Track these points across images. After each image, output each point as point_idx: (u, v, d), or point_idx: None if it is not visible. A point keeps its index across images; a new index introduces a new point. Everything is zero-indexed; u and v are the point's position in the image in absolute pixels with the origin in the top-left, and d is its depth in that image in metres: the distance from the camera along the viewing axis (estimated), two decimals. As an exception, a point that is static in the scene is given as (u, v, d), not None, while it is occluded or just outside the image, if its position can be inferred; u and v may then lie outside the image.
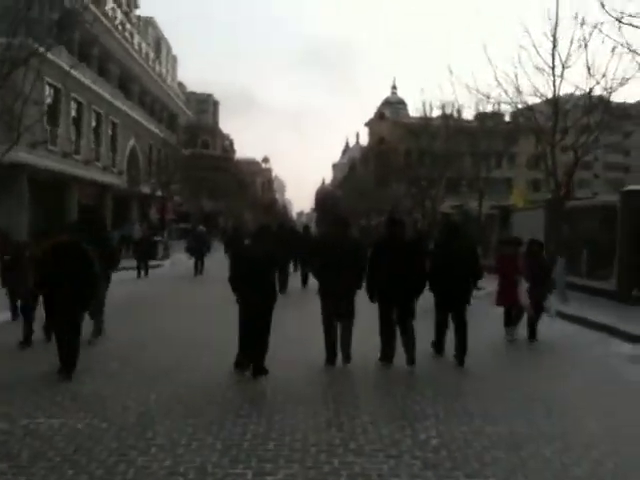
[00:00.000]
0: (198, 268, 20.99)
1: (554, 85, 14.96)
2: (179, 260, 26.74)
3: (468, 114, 31.17)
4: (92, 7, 37.44)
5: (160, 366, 7.38)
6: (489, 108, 18.71)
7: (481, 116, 28.57)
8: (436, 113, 35.64)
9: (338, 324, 7.64)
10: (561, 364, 8.10)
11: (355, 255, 7.64)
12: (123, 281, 16.81)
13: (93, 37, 39.62)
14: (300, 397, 6.15)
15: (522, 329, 9.77)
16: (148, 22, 71.36)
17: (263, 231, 7.67)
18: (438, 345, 8.29)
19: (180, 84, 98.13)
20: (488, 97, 17.22)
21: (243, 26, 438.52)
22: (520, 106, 15.83)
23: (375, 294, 7.70)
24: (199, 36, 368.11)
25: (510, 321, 9.70)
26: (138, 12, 58.38)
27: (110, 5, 41.19)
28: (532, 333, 9.58)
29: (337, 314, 7.61)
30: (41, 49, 28.40)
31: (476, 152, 25.81)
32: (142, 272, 20.45)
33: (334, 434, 5.13)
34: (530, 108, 16.26)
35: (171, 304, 13.81)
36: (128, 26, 45.72)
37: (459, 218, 27.39)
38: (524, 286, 9.36)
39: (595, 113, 15.96)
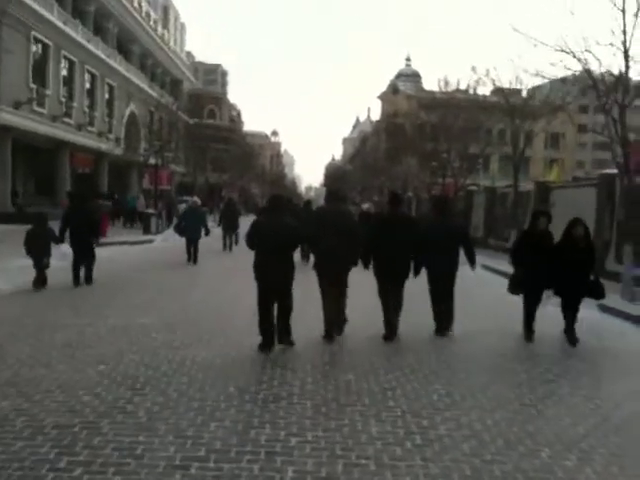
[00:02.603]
0: (191, 254, 15.53)
1: (624, 26, 11.88)
2: (173, 236, 23.58)
3: (490, 86, 28.09)
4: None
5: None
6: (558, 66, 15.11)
7: (511, 91, 25.23)
8: (454, 86, 32.82)
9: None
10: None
11: (349, 229, 7.45)
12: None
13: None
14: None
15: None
16: (155, -13, 68.24)
17: (279, 201, 7.24)
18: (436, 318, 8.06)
19: (188, 53, 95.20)
20: (561, 50, 13.75)
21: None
22: (579, 54, 12.79)
23: (369, 263, 7.79)
24: (207, 4, 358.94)
25: None
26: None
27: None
28: None
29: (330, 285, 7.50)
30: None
31: (509, 128, 22.76)
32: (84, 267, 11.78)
33: None
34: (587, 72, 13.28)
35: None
36: (127, -19, 42.48)
37: (485, 196, 24.51)
38: None
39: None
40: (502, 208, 22.41)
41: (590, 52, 12.77)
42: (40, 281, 10.66)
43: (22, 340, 6.87)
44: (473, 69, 22.57)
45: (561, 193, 17.58)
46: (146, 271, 13.84)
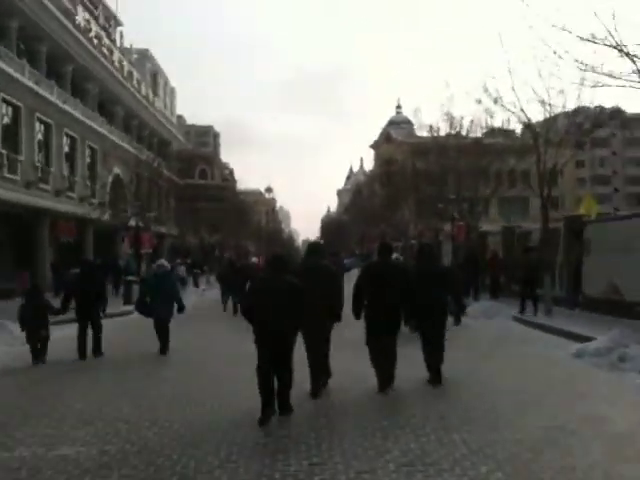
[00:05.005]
0: (161, 342, 11.17)
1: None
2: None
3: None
4: (59, 15, 32.99)
5: None
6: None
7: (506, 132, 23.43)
8: (446, 128, 30.65)
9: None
10: None
11: (329, 284, 7.41)
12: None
13: (65, 52, 35.13)
14: None
15: None
16: (143, 54, 67.73)
17: (280, 261, 7.01)
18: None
19: (180, 117, 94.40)
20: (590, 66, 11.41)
21: (241, 59, 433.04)
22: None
23: (359, 314, 7.72)
24: (196, 69, 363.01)
25: None
26: (133, 45, 54.57)
27: (82, 15, 36.47)
28: None
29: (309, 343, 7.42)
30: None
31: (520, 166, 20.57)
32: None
33: None
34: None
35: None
36: (106, 41, 41.07)
37: (502, 237, 22.13)
38: None
39: None
40: (520, 249, 19.94)
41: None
42: (39, 354, 10.32)
43: None
44: (485, 90, 19.74)
45: (598, 228, 15.17)
46: (109, 357, 10.93)
